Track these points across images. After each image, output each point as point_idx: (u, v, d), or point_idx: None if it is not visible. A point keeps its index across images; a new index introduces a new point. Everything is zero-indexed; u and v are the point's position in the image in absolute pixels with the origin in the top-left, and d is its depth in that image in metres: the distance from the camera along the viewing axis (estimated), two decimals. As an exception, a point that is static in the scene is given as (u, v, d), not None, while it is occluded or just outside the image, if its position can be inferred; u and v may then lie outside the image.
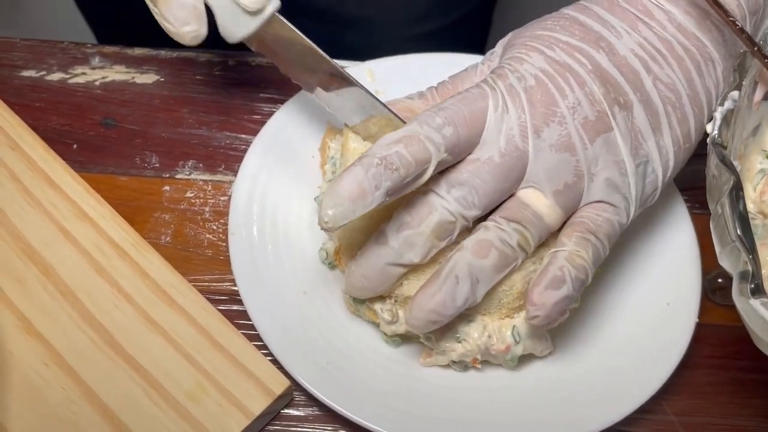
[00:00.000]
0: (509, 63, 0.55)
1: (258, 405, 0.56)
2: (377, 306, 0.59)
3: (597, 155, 0.53)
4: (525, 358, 0.60)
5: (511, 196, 0.55)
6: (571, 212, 0.55)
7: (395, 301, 0.58)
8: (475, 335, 0.58)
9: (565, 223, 0.56)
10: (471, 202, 0.52)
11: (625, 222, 0.56)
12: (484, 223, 0.54)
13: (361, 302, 0.59)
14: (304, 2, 0.89)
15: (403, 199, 0.54)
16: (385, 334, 0.60)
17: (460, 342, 0.58)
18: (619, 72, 0.55)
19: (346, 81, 0.60)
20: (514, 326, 0.58)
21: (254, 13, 0.58)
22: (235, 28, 0.58)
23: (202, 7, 0.57)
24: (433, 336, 0.58)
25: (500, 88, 0.54)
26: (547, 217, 0.54)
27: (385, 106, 0.60)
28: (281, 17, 0.60)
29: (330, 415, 0.60)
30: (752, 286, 0.46)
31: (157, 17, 0.58)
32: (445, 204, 0.52)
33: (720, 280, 0.66)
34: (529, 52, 0.55)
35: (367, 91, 0.60)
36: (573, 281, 0.52)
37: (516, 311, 0.58)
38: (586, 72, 0.54)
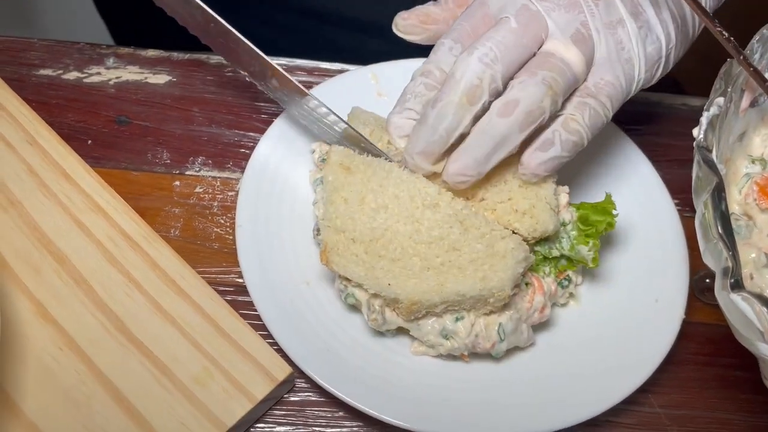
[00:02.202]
0: None
1: (261, 390, 0.58)
2: (364, 309, 0.61)
3: (601, 13, 0.58)
4: (512, 350, 0.63)
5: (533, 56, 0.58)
6: (590, 65, 0.59)
7: (383, 302, 0.60)
8: (462, 334, 0.60)
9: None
10: (493, 57, 0.56)
11: (630, 81, 0.60)
12: (510, 83, 0.57)
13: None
14: (325, 10, 0.91)
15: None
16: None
17: (447, 339, 0.61)
18: None
19: (230, 30, 0.64)
20: (500, 324, 0.61)
21: None
22: None
23: None
24: (420, 331, 0.61)
25: None
26: (573, 63, 0.57)
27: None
28: None
29: (329, 399, 0.62)
30: (732, 281, 0.49)
31: None
32: (469, 70, 0.56)
33: (707, 281, 0.69)
34: None
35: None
36: (563, 143, 0.58)
37: (501, 310, 0.61)
38: None
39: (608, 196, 0.62)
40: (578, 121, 0.58)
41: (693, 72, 0.74)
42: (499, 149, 0.58)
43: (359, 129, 0.65)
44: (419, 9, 0.65)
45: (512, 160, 0.61)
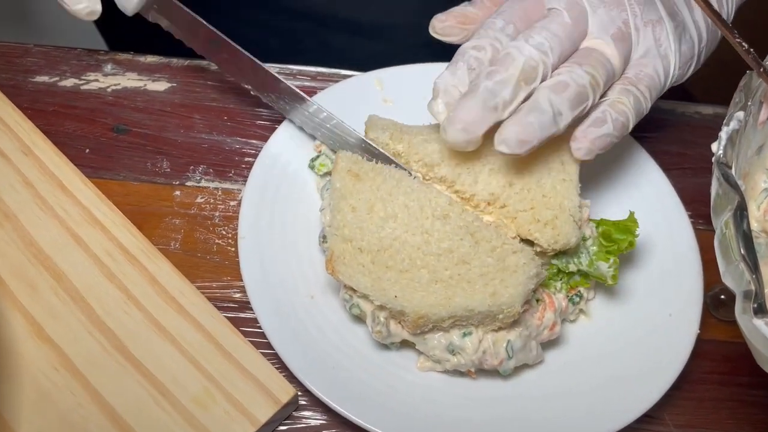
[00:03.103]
0: None
1: (264, 412, 0.56)
2: (368, 321, 0.60)
3: (642, 12, 0.61)
4: (520, 367, 0.61)
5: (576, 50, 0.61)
6: (627, 62, 0.62)
7: (389, 314, 0.59)
8: (469, 350, 0.59)
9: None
10: (548, 47, 0.59)
11: (666, 75, 0.63)
12: (557, 70, 0.59)
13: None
14: (317, 11, 0.89)
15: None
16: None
17: (454, 355, 0.59)
18: None
19: (229, 44, 0.66)
20: (508, 341, 0.59)
21: None
22: (125, 2, 0.66)
23: None
24: (426, 345, 0.59)
25: None
26: (611, 57, 0.60)
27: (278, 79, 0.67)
28: None
29: (333, 418, 0.61)
30: (755, 305, 0.47)
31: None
32: (526, 52, 0.58)
33: (722, 297, 0.67)
34: None
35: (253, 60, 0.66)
36: (613, 122, 0.59)
37: (510, 327, 0.59)
38: None
39: (631, 215, 0.61)
40: (624, 104, 0.60)
41: (704, 80, 0.73)
42: (555, 121, 0.58)
43: (378, 135, 0.64)
44: (456, 10, 0.65)
45: (536, 167, 0.61)
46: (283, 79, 0.66)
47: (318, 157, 0.68)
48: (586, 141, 0.59)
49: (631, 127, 0.61)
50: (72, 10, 0.64)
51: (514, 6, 0.62)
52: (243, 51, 0.67)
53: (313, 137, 0.69)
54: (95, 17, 0.64)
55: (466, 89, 0.58)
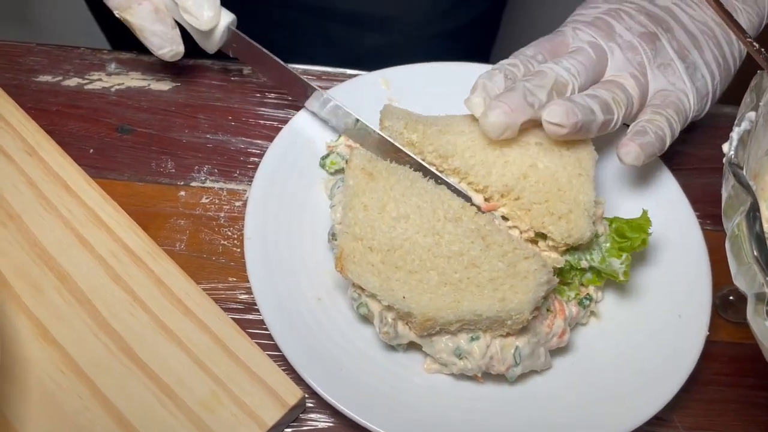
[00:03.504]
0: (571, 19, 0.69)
1: (272, 415, 0.56)
2: (376, 321, 0.59)
3: (655, 56, 0.66)
4: (529, 371, 0.61)
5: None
6: (645, 99, 0.66)
7: (397, 315, 0.58)
8: (477, 355, 0.58)
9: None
10: (575, 72, 0.64)
11: (689, 105, 0.66)
12: (584, 93, 0.63)
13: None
14: (319, 3, 0.89)
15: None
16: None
17: (461, 359, 0.59)
18: (659, 9, 0.68)
19: (308, 87, 0.69)
20: (516, 347, 0.58)
21: (210, 31, 0.69)
22: (205, 43, 0.70)
23: (175, 32, 0.68)
24: (433, 347, 0.59)
25: (569, 27, 0.67)
26: (630, 88, 0.65)
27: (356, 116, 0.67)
28: (239, 33, 0.70)
29: (340, 420, 0.60)
30: (768, 308, 0.47)
31: (142, 41, 0.68)
32: (557, 70, 0.63)
33: (731, 298, 0.67)
34: (583, 11, 0.69)
35: (338, 103, 0.68)
36: (654, 134, 0.63)
37: (519, 333, 0.59)
38: (634, 10, 0.68)
39: (644, 213, 0.61)
40: (660, 121, 0.63)
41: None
42: (593, 115, 0.61)
43: (393, 123, 0.64)
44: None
45: (551, 161, 0.61)
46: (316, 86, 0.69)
47: (329, 155, 0.67)
48: (634, 145, 0.62)
49: (668, 143, 0.64)
50: (157, 54, 0.68)
51: (543, 42, 0.67)
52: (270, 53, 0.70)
53: (322, 130, 0.69)
54: (179, 57, 0.69)
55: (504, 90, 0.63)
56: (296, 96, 0.71)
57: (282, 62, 0.69)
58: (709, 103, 0.68)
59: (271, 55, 0.69)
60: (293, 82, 0.70)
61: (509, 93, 0.61)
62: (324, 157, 0.68)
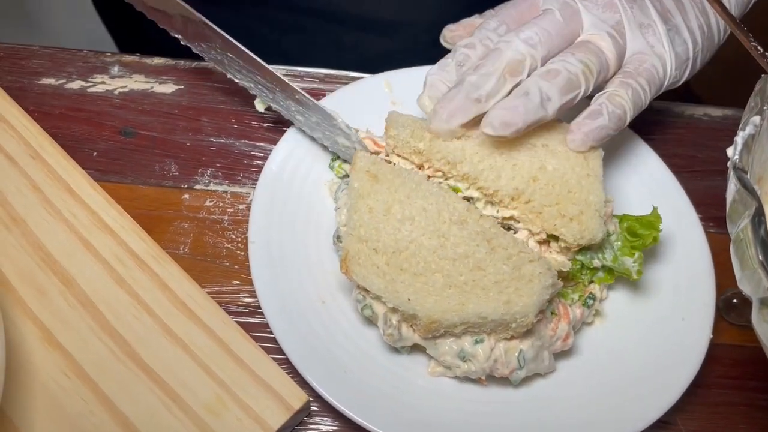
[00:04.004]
0: None
1: (277, 419, 0.56)
2: (380, 323, 0.59)
3: (635, 15, 0.63)
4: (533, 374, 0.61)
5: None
6: (621, 60, 0.63)
7: (401, 317, 0.58)
8: (481, 358, 0.58)
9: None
10: (536, 41, 0.60)
11: (664, 73, 0.64)
12: (551, 59, 0.61)
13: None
14: (328, 8, 0.89)
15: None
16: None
17: (465, 361, 0.59)
18: None
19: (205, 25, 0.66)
20: (520, 350, 0.59)
21: None
22: None
23: None
24: (437, 350, 0.59)
25: None
26: (606, 50, 0.62)
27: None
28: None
29: (346, 423, 0.61)
30: (773, 312, 0.47)
31: None
32: (513, 46, 0.60)
33: (734, 300, 0.67)
34: None
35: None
36: (609, 114, 0.61)
37: (523, 336, 0.59)
38: None
39: (655, 210, 0.61)
40: (622, 97, 0.61)
41: (711, 82, 0.73)
42: (543, 105, 0.59)
43: (399, 132, 0.63)
44: (466, 21, 0.68)
45: (559, 163, 0.61)
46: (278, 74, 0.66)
47: (338, 158, 0.67)
48: (579, 133, 0.61)
49: (628, 119, 0.62)
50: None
51: (508, 8, 0.64)
52: (249, 52, 0.67)
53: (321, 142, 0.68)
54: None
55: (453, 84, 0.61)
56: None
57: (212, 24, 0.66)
58: (688, 70, 0.66)
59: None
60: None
61: (452, 92, 0.60)
62: (333, 160, 0.68)
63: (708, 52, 0.67)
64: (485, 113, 0.59)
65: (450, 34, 0.68)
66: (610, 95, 0.61)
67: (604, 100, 0.61)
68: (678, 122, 0.79)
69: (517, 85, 0.60)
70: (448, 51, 0.68)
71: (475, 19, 0.68)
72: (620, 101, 0.61)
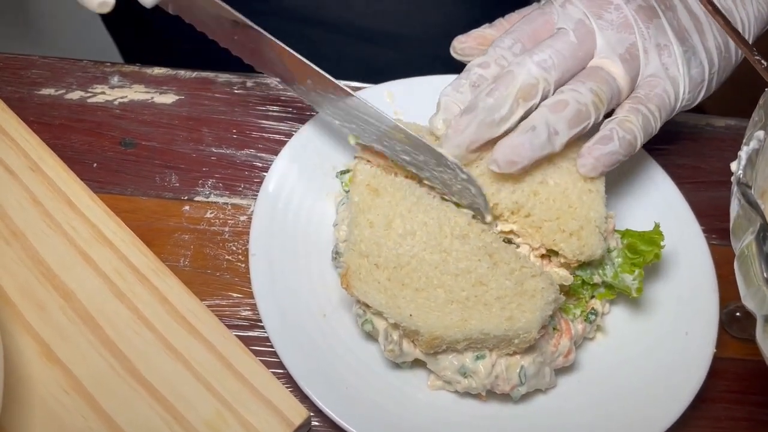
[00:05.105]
0: None
1: (277, 436, 0.56)
2: (381, 339, 0.59)
3: (651, 35, 0.62)
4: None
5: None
6: (634, 83, 0.63)
7: (402, 332, 0.58)
8: (482, 374, 0.58)
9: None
10: (550, 65, 0.60)
11: (676, 98, 0.63)
12: (560, 88, 0.60)
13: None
14: (331, 19, 0.89)
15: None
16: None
17: (466, 377, 0.58)
18: None
19: (258, 31, 0.63)
20: (522, 366, 0.58)
21: None
22: None
23: None
24: (438, 365, 0.58)
25: (557, 3, 0.63)
26: (618, 77, 0.61)
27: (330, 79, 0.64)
28: None
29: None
30: (777, 331, 0.46)
31: None
32: (527, 69, 0.59)
33: (738, 314, 0.66)
34: None
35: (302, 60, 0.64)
36: (620, 140, 0.60)
37: (524, 352, 0.58)
38: None
39: (656, 226, 0.61)
40: (632, 122, 0.61)
41: (715, 91, 0.72)
42: (550, 140, 0.59)
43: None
44: (476, 32, 0.67)
45: (561, 178, 0.60)
46: (313, 66, 0.64)
47: (347, 171, 0.66)
48: (590, 158, 0.60)
49: (638, 146, 0.62)
50: (84, 3, 0.59)
51: (523, 26, 0.63)
52: (272, 37, 0.64)
53: (334, 137, 0.67)
54: (107, 9, 0.59)
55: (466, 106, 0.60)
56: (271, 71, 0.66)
57: (232, 9, 0.62)
58: (702, 93, 0.65)
59: (221, 3, 0.62)
60: (262, 47, 0.64)
61: (465, 120, 0.59)
62: (343, 173, 0.66)
63: (725, 72, 0.66)
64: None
65: (460, 45, 0.67)
66: (620, 121, 0.61)
67: (615, 125, 0.60)
68: (681, 133, 0.78)
69: (528, 111, 0.59)
70: (450, 63, 0.68)
71: (485, 30, 0.67)
72: (630, 127, 0.61)
